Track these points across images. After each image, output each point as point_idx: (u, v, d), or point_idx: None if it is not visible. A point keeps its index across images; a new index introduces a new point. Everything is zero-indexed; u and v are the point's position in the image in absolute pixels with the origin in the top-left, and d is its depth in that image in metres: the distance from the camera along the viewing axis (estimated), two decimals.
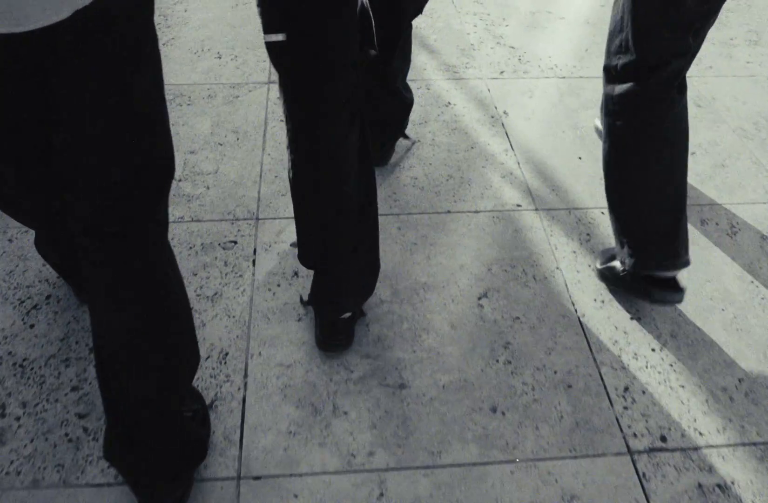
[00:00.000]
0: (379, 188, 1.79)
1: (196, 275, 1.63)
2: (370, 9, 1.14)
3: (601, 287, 1.64)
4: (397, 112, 1.89)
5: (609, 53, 1.42)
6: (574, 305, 1.59)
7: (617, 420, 1.36)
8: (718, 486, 1.26)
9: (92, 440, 1.29)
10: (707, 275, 1.68)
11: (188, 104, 2.18)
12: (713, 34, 2.66)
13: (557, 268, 1.68)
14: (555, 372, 1.44)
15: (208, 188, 1.88)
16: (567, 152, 2.06)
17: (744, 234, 1.80)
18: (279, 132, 2.08)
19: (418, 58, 2.46)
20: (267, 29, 1.11)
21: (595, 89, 2.31)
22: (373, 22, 1.16)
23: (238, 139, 2.05)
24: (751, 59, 2.55)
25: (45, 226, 1.28)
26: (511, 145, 2.08)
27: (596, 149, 2.05)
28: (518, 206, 1.86)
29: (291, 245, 1.71)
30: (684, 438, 1.33)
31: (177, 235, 1.72)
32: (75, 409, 1.34)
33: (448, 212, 1.83)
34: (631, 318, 1.57)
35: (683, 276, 1.52)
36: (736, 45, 2.64)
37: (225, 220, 1.78)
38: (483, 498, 1.23)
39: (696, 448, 1.32)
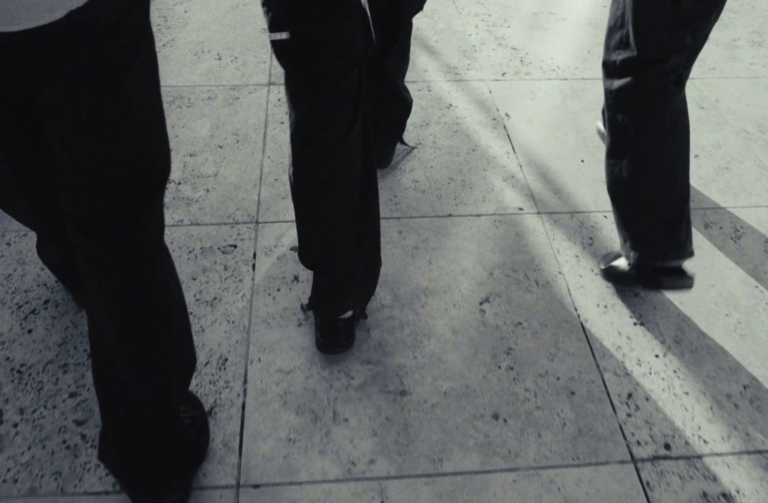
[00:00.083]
0: (379, 191, 1.78)
1: (195, 279, 1.61)
2: (367, 6, 1.14)
3: (604, 291, 1.62)
4: (397, 113, 1.88)
5: (608, 49, 1.45)
6: (576, 310, 1.58)
7: (621, 427, 1.35)
8: (723, 495, 1.25)
9: (90, 447, 1.28)
10: (711, 279, 1.67)
11: (188, 106, 2.17)
12: (716, 35, 2.66)
13: (559, 272, 1.67)
14: (557, 379, 1.43)
15: (207, 191, 1.86)
16: (569, 154, 2.04)
17: (748, 238, 1.79)
18: (279, 134, 2.07)
19: (419, 59, 2.44)
20: (272, 28, 1.12)
21: (597, 91, 2.29)
22: (371, 19, 1.16)
23: (238, 141, 2.04)
24: (755, 61, 2.53)
25: (44, 226, 1.28)
26: (512, 147, 2.06)
27: (599, 151, 2.04)
28: (520, 209, 1.85)
29: (291, 249, 1.70)
30: (688, 446, 1.32)
31: (176, 239, 1.71)
32: (73, 416, 1.33)
33: (450, 215, 1.82)
34: (635, 324, 1.55)
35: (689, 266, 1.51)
36: (739, 46, 2.62)
37: (225, 223, 1.77)
38: None
39: (700, 456, 1.30)
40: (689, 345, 1.51)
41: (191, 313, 1.53)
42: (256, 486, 1.23)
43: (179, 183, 1.88)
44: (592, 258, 1.71)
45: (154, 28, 2.54)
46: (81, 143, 0.88)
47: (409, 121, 1.99)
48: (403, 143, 2.00)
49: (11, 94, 0.90)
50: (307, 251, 1.37)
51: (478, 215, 1.82)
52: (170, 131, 2.05)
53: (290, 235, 1.74)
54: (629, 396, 1.40)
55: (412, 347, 1.48)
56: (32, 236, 1.70)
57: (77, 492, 1.21)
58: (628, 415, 1.37)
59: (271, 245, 1.71)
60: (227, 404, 1.36)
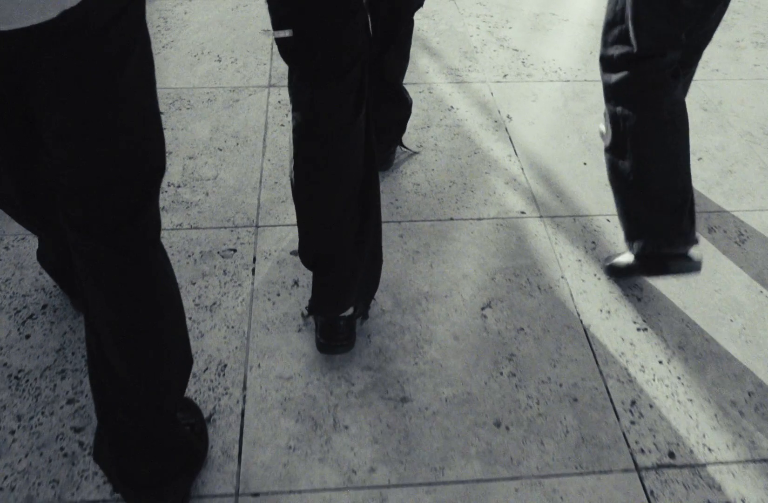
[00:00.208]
0: (380, 195, 1.76)
1: (194, 284, 1.60)
2: (367, 1, 1.15)
3: (607, 296, 1.61)
4: (398, 114, 1.87)
5: (606, 43, 1.47)
6: (579, 315, 1.56)
7: (624, 435, 1.33)
8: None
9: (88, 455, 1.26)
10: (715, 284, 1.65)
11: (187, 108, 2.15)
12: (720, 36, 2.64)
13: (562, 277, 1.65)
14: (560, 385, 1.41)
15: (207, 194, 1.85)
16: (571, 157, 2.03)
17: (753, 242, 1.77)
18: (279, 137, 2.06)
19: (420, 61, 2.43)
20: (276, 25, 1.13)
21: (599, 93, 2.25)
22: (370, 14, 1.17)
23: (237, 144, 2.02)
24: (759, 62, 2.52)
25: (44, 227, 1.28)
26: (514, 150, 2.05)
27: (601, 154, 2.01)
28: (522, 213, 1.83)
29: (291, 253, 1.69)
30: (693, 455, 1.30)
31: (175, 243, 1.70)
32: (70, 423, 1.31)
33: (451, 219, 1.80)
34: (638, 329, 1.54)
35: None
36: (743, 47, 2.60)
37: (224, 227, 1.75)
38: None
39: (705, 465, 1.29)
40: (693, 351, 1.49)
41: (190, 318, 1.51)
42: (256, 495, 1.22)
43: (179, 186, 1.87)
44: (595, 262, 1.69)
45: (154, 30, 2.54)
46: (75, 142, 0.89)
47: (409, 123, 1.98)
48: (404, 147, 1.98)
49: (4, 93, 0.89)
50: (308, 249, 1.36)
51: (479, 219, 1.81)
52: (169, 134, 2.04)
53: (290, 239, 1.72)
54: (633, 403, 1.39)
55: (413, 353, 1.47)
56: (30, 240, 1.69)
57: (75, 501, 1.20)
58: (632, 422, 1.35)
59: (270, 249, 1.70)
60: (226, 411, 1.34)
